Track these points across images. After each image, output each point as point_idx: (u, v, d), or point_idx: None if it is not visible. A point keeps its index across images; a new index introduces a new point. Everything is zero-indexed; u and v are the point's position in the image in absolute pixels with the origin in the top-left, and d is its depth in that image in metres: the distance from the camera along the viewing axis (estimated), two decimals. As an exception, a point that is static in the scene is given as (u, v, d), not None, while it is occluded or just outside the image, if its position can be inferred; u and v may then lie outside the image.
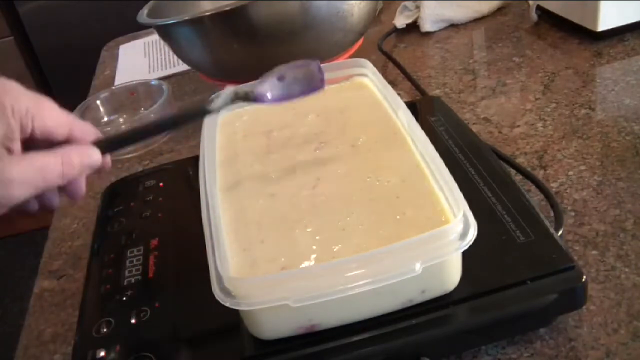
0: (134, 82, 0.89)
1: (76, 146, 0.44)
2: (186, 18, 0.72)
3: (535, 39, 0.86)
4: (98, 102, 0.87)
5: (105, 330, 0.46)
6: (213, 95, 0.49)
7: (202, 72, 0.84)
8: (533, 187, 0.57)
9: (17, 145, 0.40)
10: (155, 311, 0.47)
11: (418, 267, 0.38)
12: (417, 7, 0.96)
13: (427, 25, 0.94)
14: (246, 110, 0.59)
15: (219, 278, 0.39)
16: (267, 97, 0.48)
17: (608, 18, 0.78)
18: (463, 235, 0.39)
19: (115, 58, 1.16)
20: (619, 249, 0.50)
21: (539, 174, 0.60)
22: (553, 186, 0.58)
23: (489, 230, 0.45)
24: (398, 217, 0.43)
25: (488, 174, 0.53)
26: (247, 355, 0.42)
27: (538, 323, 0.44)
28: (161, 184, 0.62)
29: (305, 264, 0.41)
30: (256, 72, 0.60)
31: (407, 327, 0.41)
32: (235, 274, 0.41)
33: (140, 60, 1.11)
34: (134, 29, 1.17)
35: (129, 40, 1.23)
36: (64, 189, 0.44)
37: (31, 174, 0.40)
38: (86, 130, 0.45)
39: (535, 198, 0.55)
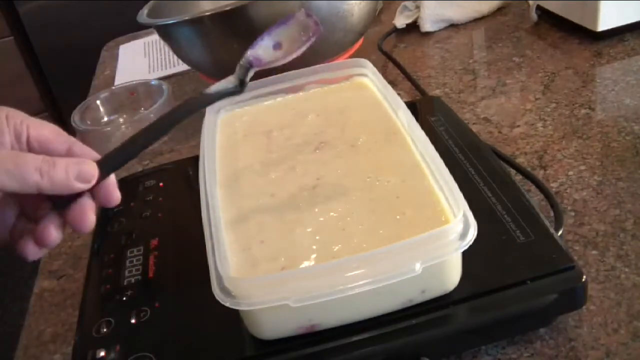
0: (134, 82, 0.89)
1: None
2: (186, 18, 0.72)
3: (535, 39, 0.86)
4: (98, 102, 0.87)
5: (105, 330, 0.46)
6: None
7: (202, 72, 0.84)
8: (533, 187, 0.57)
9: (3, 139, 0.38)
10: (155, 311, 0.47)
11: (418, 267, 0.38)
12: (417, 7, 0.96)
13: (427, 25, 0.94)
14: (246, 110, 0.60)
15: (219, 278, 0.39)
16: (269, 61, 0.46)
17: (608, 18, 0.78)
18: (463, 235, 0.39)
19: (115, 58, 1.16)
20: (619, 249, 0.50)
21: (539, 174, 0.60)
22: (553, 186, 0.58)
23: (489, 230, 0.45)
24: (398, 217, 0.43)
25: (488, 174, 0.53)
26: (247, 355, 0.42)
27: (538, 323, 0.44)
28: (161, 184, 0.62)
29: (305, 264, 0.41)
30: (256, 72, 0.60)
31: (407, 327, 0.41)
32: (235, 274, 0.41)
33: (140, 60, 1.11)
34: (134, 29, 1.17)
35: (129, 40, 1.23)
36: (66, 217, 0.39)
37: (3, 157, 0.37)
38: (86, 152, 0.41)
39: (535, 198, 0.55)
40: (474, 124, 0.70)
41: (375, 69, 0.58)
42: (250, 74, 0.45)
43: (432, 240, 0.39)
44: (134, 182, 0.64)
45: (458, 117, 0.63)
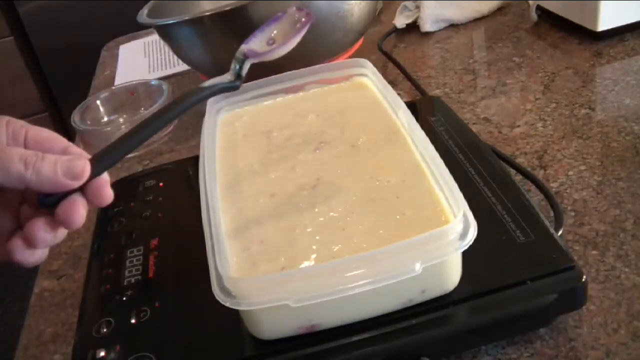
0: (134, 82, 0.89)
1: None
2: (186, 18, 0.72)
3: (535, 39, 0.86)
4: (98, 102, 0.87)
5: (105, 330, 0.46)
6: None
7: (202, 72, 0.84)
8: (533, 187, 0.57)
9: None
10: (155, 311, 0.47)
11: (418, 267, 0.38)
12: (417, 7, 0.96)
13: (427, 25, 0.94)
14: (246, 110, 0.60)
15: (219, 278, 0.39)
16: (264, 52, 0.45)
17: (608, 18, 0.78)
18: (463, 235, 0.39)
19: (115, 58, 1.16)
20: (619, 249, 0.50)
21: (539, 174, 0.60)
22: (553, 186, 0.58)
23: (489, 230, 0.45)
24: (398, 217, 0.43)
25: (488, 174, 0.53)
26: (247, 355, 0.42)
27: (538, 323, 0.44)
28: (161, 184, 0.62)
29: (305, 264, 0.41)
30: (256, 72, 0.60)
31: (407, 327, 0.41)
32: (235, 274, 0.41)
33: (140, 60, 1.11)
34: (134, 29, 1.17)
35: (129, 40, 1.23)
36: (55, 214, 0.37)
37: None
38: (82, 153, 0.39)
39: (535, 198, 0.55)
40: (474, 124, 0.70)
41: (375, 69, 0.58)
42: (246, 66, 0.44)
43: (432, 240, 0.39)
44: (134, 182, 0.64)
45: (458, 117, 0.63)
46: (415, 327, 0.42)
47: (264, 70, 0.60)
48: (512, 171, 0.58)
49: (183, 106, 0.42)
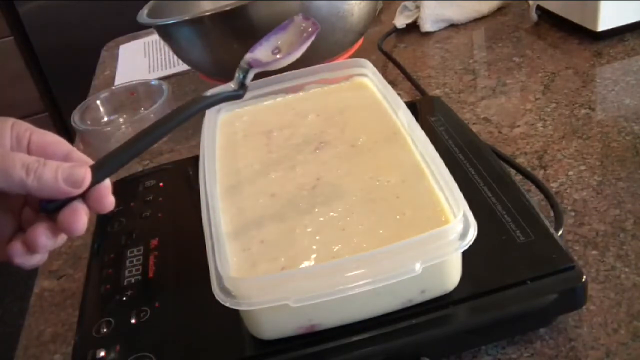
0: (134, 82, 0.89)
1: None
2: (186, 18, 0.72)
3: (535, 39, 0.86)
4: (98, 102, 0.87)
5: (105, 330, 0.46)
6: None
7: (202, 72, 0.84)
8: (533, 187, 0.57)
9: (4, 142, 0.38)
10: (155, 311, 0.47)
11: (418, 267, 0.38)
12: (417, 7, 0.96)
13: (427, 25, 0.94)
14: (246, 110, 0.60)
15: (219, 278, 0.39)
16: (268, 62, 0.45)
17: (608, 18, 0.78)
18: (463, 235, 0.39)
19: (115, 58, 1.16)
20: (619, 249, 0.50)
21: (539, 174, 0.60)
22: (553, 186, 0.58)
23: (489, 230, 0.45)
24: (398, 217, 0.43)
25: (488, 174, 0.53)
26: (247, 355, 0.42)
27: (538, 323, 0.44)
28: (161, 184, 0.62)
29: (305, 264, 0.41)
30: (256, 72, 0.60)
31: (407, 327, 0.41)
32: (235, 274, 0.41)
33: (140, 60, 1.11)
34: (134, 29, 1.17)
35: (129, 40, 1.23)
36: (57, 220, 0.37)
37: None
38: (85, 159, 0.39)
39: (535, 198, 0.55)
40: (474, 124, 0.70)
41: (375, 69, 0.58)
42: (250, 75, 0.44)
43: (432, 240, 0.39)
44: (134, 182, 0.64)
45: (458, 117, 0.63)
46: (415, 327, 0.42)
47: (265, 71, 0.60)
48: (512, 171, 0.58)
49: (186, 114, 0.42)
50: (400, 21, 0.96)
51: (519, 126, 0.68)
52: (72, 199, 0.37)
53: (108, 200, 0.39)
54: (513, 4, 0.97)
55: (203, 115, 0.56)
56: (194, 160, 0.57)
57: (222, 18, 0.70)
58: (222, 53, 0.75)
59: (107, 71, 1.12)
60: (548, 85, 0.74)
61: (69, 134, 2.14)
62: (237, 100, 0.59)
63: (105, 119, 0.87)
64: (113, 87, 0.91)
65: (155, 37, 1.17)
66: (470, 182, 0.52)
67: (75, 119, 0.82)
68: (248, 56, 0.45)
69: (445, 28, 0.95)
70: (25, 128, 0.39)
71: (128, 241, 0.55)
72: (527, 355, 0.43)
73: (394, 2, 1.04)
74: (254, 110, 0.59)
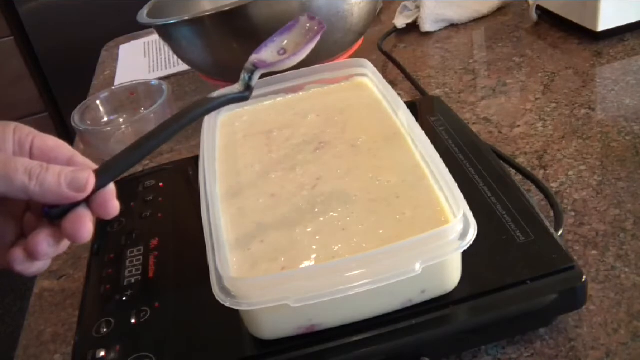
0: (134, 82, 0.89)
1: None
2: (186, 18, 0.72)
3: (535, 39, 0.86)
4: (98, 102, 0.87)
5: (105, 330, 0.46)
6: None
7: (202, 72, 0.84)
8: (533, 187, 0.57)
9: (6, 146, 0.37)
10: (155, 311, 0.47)
11: (418, 267, 0.38)
12: (417, 7, 0.96)
13: (427, 25, 0.94)
14: (246, 110, 0.60)
15: (219, 278, 0.39)
16: (274, 62, 0.44)
17: (608, 18, 0.78)
18: (463, 235, 0.39)
19: (115, 58, 1.16)
20: (619, 249, 0.50)
21: (539, 174, 0.60)
22: (553, 186, 0.58)
23: (489, 230, 0.46)
24: (398, 217, 0.43)
25: (488, 174, 0.53)
26: (247, 355, 0.42)
27: (538, 323, 0.44)
28: (161, 184, 0.62)
29: (305, 264, 0.41)
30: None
31: (407, 327, 0.41)
32: (235, 274, 0.41)
33: (140, 60, 1.11)
34: (134, 29, 1.17)
35: (129, 40, 1.23)
36: (61, 227, 0.37)
37: None
38: (88, 163, 0.39)
39: (535, 198, 0.55)
40: (474, 124, 0.70)
41: (375, 69, 0.58)
42: (256, 76, 0.44)
43: (432, 240, 0.39)
44: (134, 182, 0.64)
45: (458, 117, 0.63)
46: (415, 327, 0.42)
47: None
48: (512, 171, 0.58)
49: (191, 117, 0.41)
50: (400, 21, 0.97)
51: (519, 126, 0.68)
52: (75, 204, 0.37)
53: (113, 205, 0.38)
54: (513, 4, 0.97)
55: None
56: (194, 161, 0.57)
57: (222, 18, 0.70)
58: (222, 53, 0.75)
59: (107, 71, 1.12)
60: (548, 85, 0.74)
61: (69, 134, 2.14)
62: (237, 101, 0.59)
63: (105, 119, 0.87)
64: (113, 87, 0.91)
65: (155, 37, 1.17)
66: (470, 182, 0.52)
67: (75, 119, 0.82)
68: (253, 57, 0.44)
69: (445, 28, 0.95)
70: (27, 132, 0.38)
71: (128, 241, 0.55)
72: (527, 355, 0.43)
73: (394, 2, 1.04)
74: (254, 110, 0.59)
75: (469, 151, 0.56)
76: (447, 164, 0.44)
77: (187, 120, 0.41)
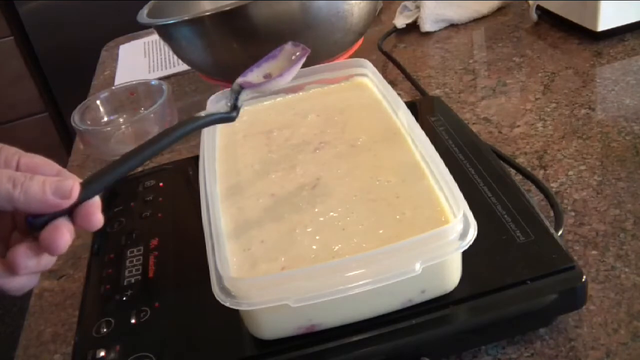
0: (134, 82, 0.89)
1: None
2: (186, 18, 0.72)
3: (535, 39, 0.86)
4: (98, 102, 0.87)
5: (105, 330, 0.46)
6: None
7: (202, 72, 0.84)
8: (533, 187, 0.57)
9: None
10: (155, 311, 0.47)
11: (418, 267, 0.38)
12: (417, 7, 0.96)
13: (427, 25, 0.94)
14: (246, 110, 0.60)
15: (219, 278, 0.39)
16: (260, 83, 0.46)
17: (608, 18, 0.78)
18: (463, 235, 0.39)
19: (115, 58, 1.16)
20: (619, 249, 0.50)
21: (539, 174, 0.60)
22: (553, 186, 0.58)
23: (489, 230, 0.46)
24: (398, 217, 0.43)
25: (488, 174, 0.53)
26: (247, 355, 0.42)
27: (538, 323, 0.44)
28: (161, 184, 0.62)
29: (305, 264, 0.41)
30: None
31: (407, 327, 0.41)
32: (235, 274, 0.41)
33: (140, 60, 1.11)
34: (134, 29, 1.17)
35: (129, 40, 1.23)
36: (40, 238, 0.36)
37: None
38: (74, 177, 0.38)
39: (535, 198, 0.55)
40: (474, 124, 0.70)
41: (375, 69, 0.58)
42: (243, 96, 0.45)
43: (432, 240, 0.39)
44: (134, 182, 0.64)
45: (458, 117, 0.63)
46: (415, 327, 0.42)
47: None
48: (512, 171, 0.58)
49: (178, 134, 0.42)
50: (400, 21, 0.97)
51: (519, 126, 0.68)
52: (59, 215, 0.36)
53: (96, 218, 0.37)
54: (513, 4, 0.97)
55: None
56: (194, 160, 0.57)
57: (222, 18, 0.70)
58: (222, 53, 0.75)
59: (107, 71, 1.12)
60: (548, 85, 0.74)
61: (69, 134, 2.15)
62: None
63: (105, 119, 0.86)
64: (113, 87, 0.91)
65: (155, 37, 1.17)
66: (470, 182, 0.52)
67: (75, 119, 0.82)
68: (240, 79, 0.45)
69: (445, 28, 0.95)
70: (13, 152, 0.38)
71: (128, 241, 0.55)
72: (527, 355, 0.43)
73: (394, 2, 1.04)
74: (254, 110, 0.59)
75: (469, 151, 0.56)
76: (447, 164, 0.44)
77: (174, 137, 0.42)
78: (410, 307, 0.42)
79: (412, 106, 0.61)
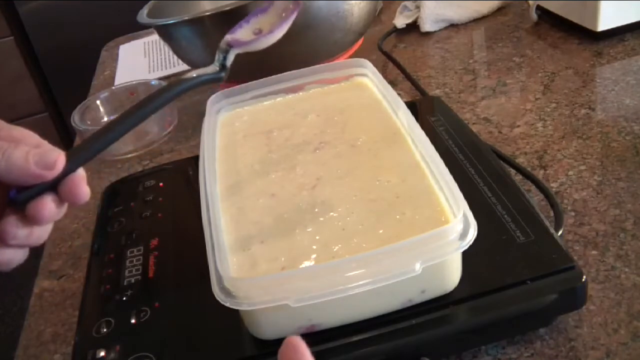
0: (134, 82, 0.89)
1: None
2: (186, 18, 0.72)
3: (535, 39, 0.86)
4: (98, 102, 0.87)
5: (105, 330, 0.46)
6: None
7: (202, 72, 0.84)
8: (533, 187, 0.57)
9: None
10: (155, 311, 0.47)
11: (418, 267, 0.38)
12: (417, 7, 0.96)
13: (427, 25, 0.94)
14: (246, 110, 0.60)
15: (219, 278, 0.39)
16: (249, 41, 0.43)
17: (608, 18, 0.78)
18: (463, 235, 0.39)
19: (115, 58, 1.16)
20: (619, 249, 0.50)
21: (539, 174, 0.60)
22: (553, 186, 0.58)
23: (489, 230, 0.46)
24: (398, 217, 0.43)
25: (488, 174, 0.53)
26: (247, 355, 0.42)
27: (538, 323, 0.44)
28: (161, 184, 0.62)
29: (305, 264, 0.41)
30: (256, 72, 0.60)
31: (407, 327, 0.41)
32: (235, 274, 0.41)
33: (140, 60, 1.11)
34: (134, 29, 1.17)
35: (129, 40, 1.23)
36: (26, 209, 0.35)
37: None
38: (59, 150, 0.36)
39: (535, 198, 0.55)
40: (474, 124, 0.70)
41: (375, 69, 0.58)
42: (231, 56, 0.43)
43: (432, 240, 0.39)
44: (134, 182, 0.64)
45: (458, 117, 0.63)
46: (415, 327, 0.42)
47: (264, 70, 0.60)
48: (512, 171, 0.58)
49: (166, 97, 0.40)
50: (400, 21, 0.97)
51: (519, 126, 0.68)
52: (43, 190, 0.35)
53: (82, 190, 0.36)
54: (513, 4, 0.97)
55: (203, 115, 0.56)
56: (194, 160, 0.57)
57: (222, 18, 0.70)
58: (222, 53, 0.75)
59: (107, 71, 1.12)
60: (548, 85, 0.74)
61: (69, 134, 2.15)
62: (238, 101, 0.59)
63: (105, 119, 0.87)
64: (113, 87, 0.91)
65: (155, 37, 1.17)
66: (470, 182, 0.52)
67: (75, 119, 0.82)
68: (228, 37, 0.43)
69: (445, 28, 0.95)
70: None
71: (128, 241, 0.55)
72: (527, 355, 0.43)
73: (394, 2, 1.04)
74: (254, 110, 0.59)
75: (469, 151, 0.56)
76: (447, 164, 0.44)
77: (161, 101, 0.40)
78: (410, 307, 0.42)
79: (412, 106, 0.61)
